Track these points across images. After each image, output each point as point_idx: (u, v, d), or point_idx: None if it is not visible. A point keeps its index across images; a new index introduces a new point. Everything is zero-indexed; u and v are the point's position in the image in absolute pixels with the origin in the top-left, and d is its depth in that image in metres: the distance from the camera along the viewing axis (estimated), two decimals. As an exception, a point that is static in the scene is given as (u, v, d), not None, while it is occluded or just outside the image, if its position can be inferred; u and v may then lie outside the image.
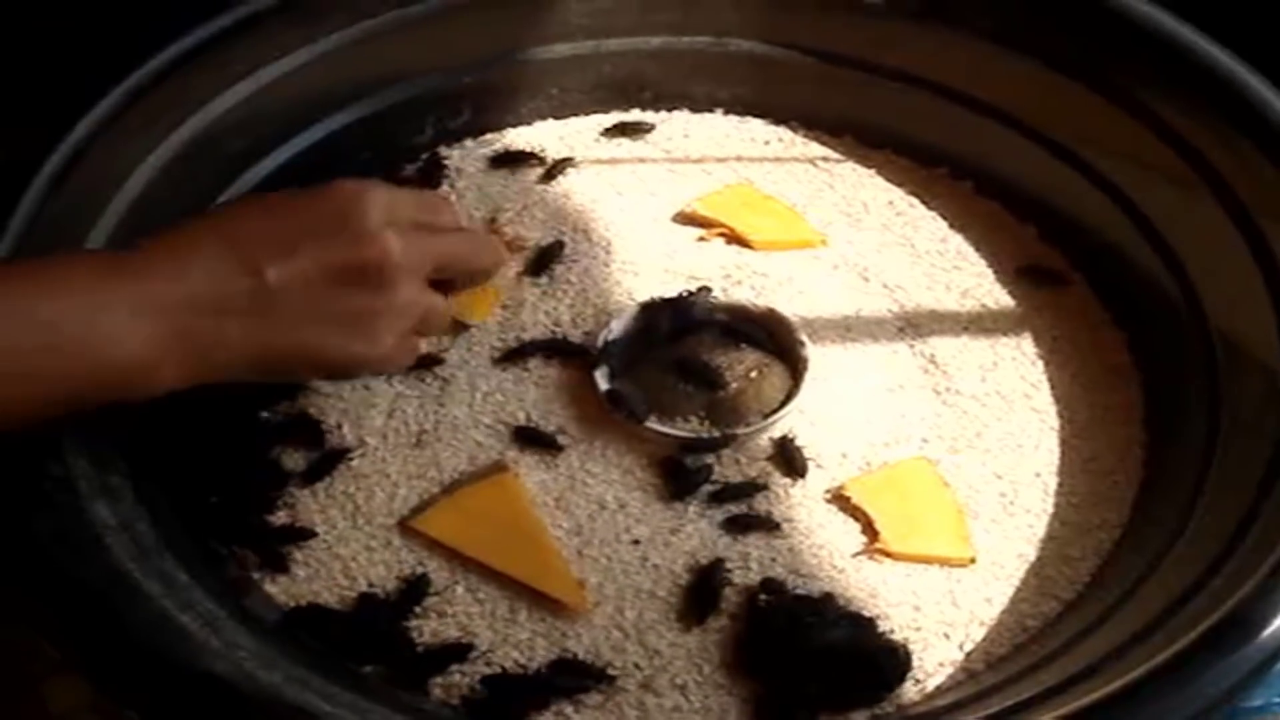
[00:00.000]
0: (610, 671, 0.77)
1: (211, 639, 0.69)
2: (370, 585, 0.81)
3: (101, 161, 0.86)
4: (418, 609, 0.80)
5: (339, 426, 0.88)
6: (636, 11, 1.04)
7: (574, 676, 0.77)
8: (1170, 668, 0.67)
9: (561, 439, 0.88)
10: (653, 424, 0.87)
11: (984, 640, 0.80)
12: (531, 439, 0.88)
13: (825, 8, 1.02)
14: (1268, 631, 0.67)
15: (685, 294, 0.93)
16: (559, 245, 0.98)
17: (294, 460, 0.87)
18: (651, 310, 0.93)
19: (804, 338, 0.91)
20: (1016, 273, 0.97)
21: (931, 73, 1.02)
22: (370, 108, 1.01)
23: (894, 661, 0.78)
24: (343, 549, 0.83)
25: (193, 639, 0.68)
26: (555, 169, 1.04)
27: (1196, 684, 0.66)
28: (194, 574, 0.74)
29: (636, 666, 0.78)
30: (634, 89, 1.08)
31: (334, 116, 1.00)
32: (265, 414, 0.88)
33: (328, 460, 0.86)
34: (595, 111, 1.08)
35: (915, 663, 0.78)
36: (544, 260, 0.97)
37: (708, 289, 0.94)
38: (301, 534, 0.83)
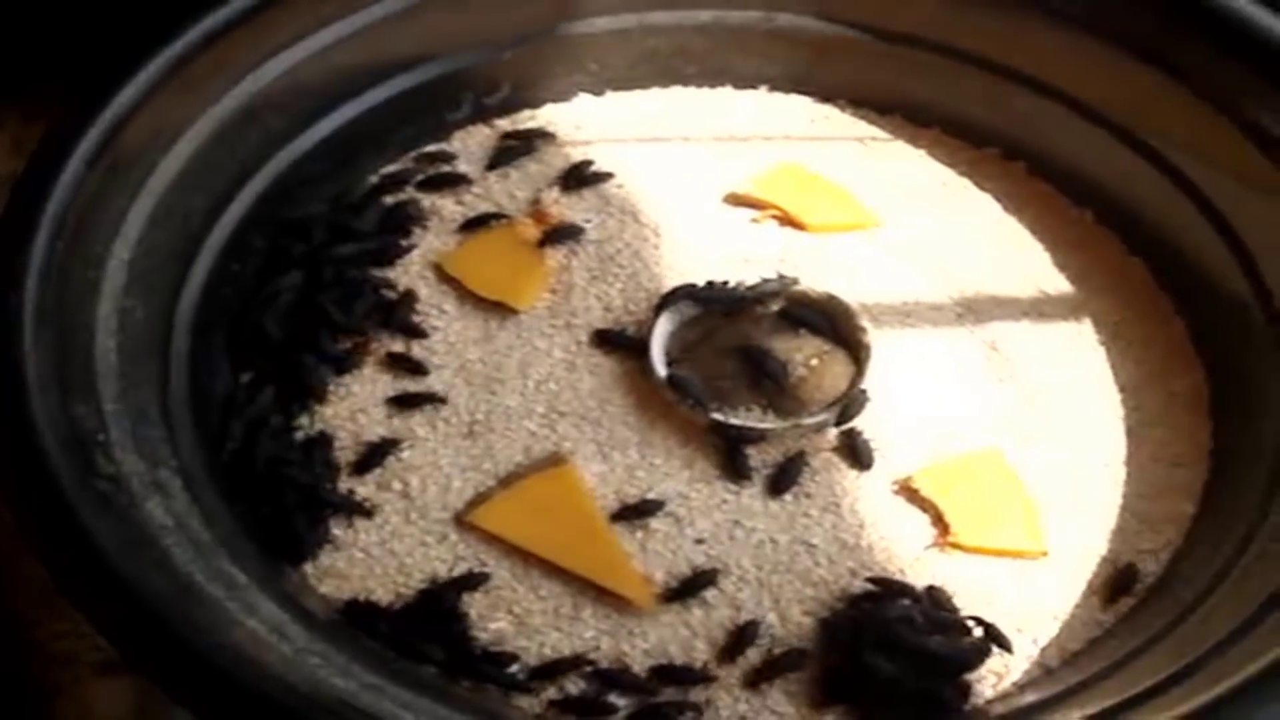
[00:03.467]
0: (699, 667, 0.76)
1: (280, 643, 0.66)
2: (428, 581, 0.79)
3: (140, 135, 0.83)
4: (477, 605, 0.78)
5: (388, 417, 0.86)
6: (684, -15, 1.01)
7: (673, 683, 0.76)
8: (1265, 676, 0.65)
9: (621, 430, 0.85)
10: (715, 414, 0.84)
11: (1058, 635, 0.78)
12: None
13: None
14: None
15: (764, 280, 0.90)
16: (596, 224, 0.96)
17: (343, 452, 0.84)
18: (707, 295, 0.90)
19: (865, 324, 0.88)
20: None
21: (983, 49, 0.99)
22: (410, 82, 0.97)
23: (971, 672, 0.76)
24: (397, 544, 0.80)
25: (261, 644, 0.66)
26: (597, 147, 1.01)
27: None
28: (250, 573, 0.72)
29: (706, 665, 0.76)
30: (678, 64, 1.04)
31: (373, 90, 0.96)
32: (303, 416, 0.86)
33: (377, 451, 0.84)
34: (636, 87, 1.05)
35: (989, 659, 0.76)
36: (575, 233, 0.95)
37: (793, 279, 0.91)
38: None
